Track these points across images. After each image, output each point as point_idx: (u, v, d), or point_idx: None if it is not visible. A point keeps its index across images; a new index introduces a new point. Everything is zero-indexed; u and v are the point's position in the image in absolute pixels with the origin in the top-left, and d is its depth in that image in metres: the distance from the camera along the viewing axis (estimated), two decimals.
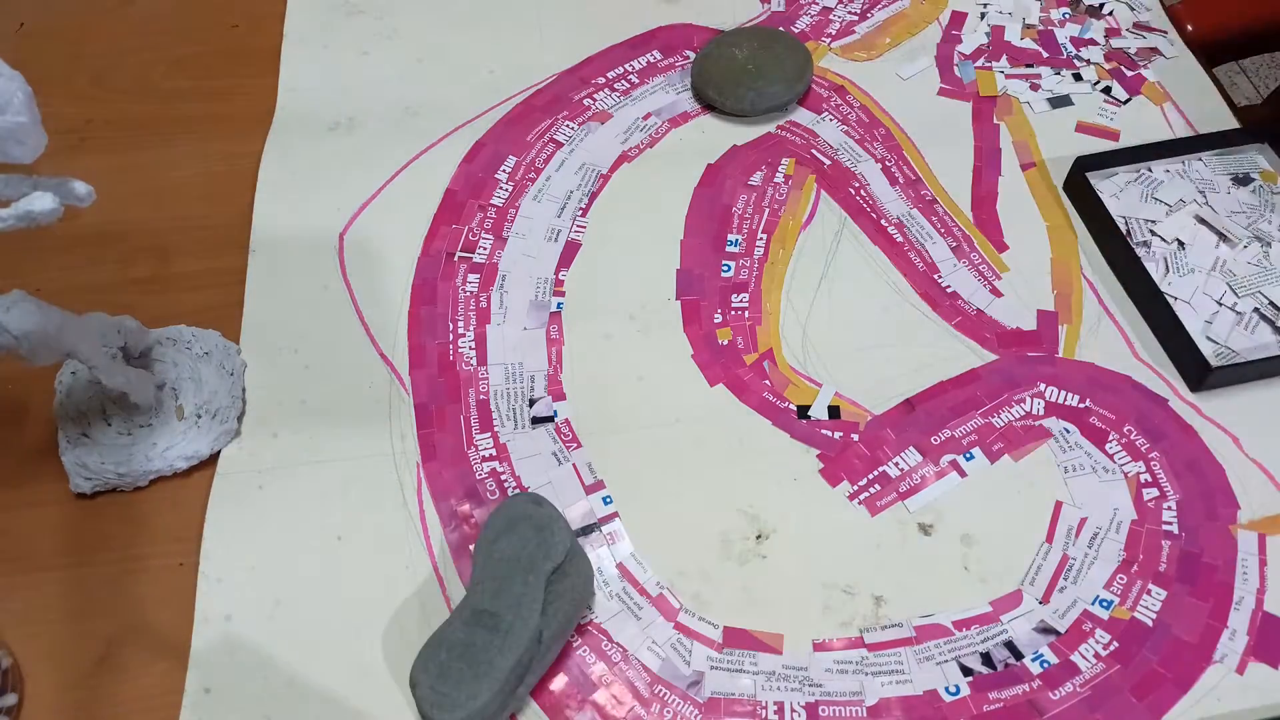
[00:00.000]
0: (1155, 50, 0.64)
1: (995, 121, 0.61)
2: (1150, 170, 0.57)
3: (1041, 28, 0.65)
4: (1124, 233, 0.53)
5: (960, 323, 0.52)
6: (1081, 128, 0.60)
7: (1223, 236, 0.54)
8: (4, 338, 0.39)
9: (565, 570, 0.41)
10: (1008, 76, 0.63)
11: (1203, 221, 0.54)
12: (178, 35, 0.66)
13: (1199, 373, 0.49)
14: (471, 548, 0.43)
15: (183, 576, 0.45)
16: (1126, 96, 0.62)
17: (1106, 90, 0.62)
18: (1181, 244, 0.53)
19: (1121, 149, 0.57)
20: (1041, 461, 0.48)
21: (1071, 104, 0.61)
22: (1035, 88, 0.62)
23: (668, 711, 0.41)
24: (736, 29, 0.63)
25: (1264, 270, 0.53)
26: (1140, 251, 0.53)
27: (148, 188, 0.58)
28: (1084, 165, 0.56)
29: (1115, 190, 0.56)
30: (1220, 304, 0.51)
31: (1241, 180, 0.56)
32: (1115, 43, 0.65)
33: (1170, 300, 0.51)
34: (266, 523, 0.46)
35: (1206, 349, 0.49)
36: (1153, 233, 0.53)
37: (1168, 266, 0.52)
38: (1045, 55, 0.64)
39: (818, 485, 0.47)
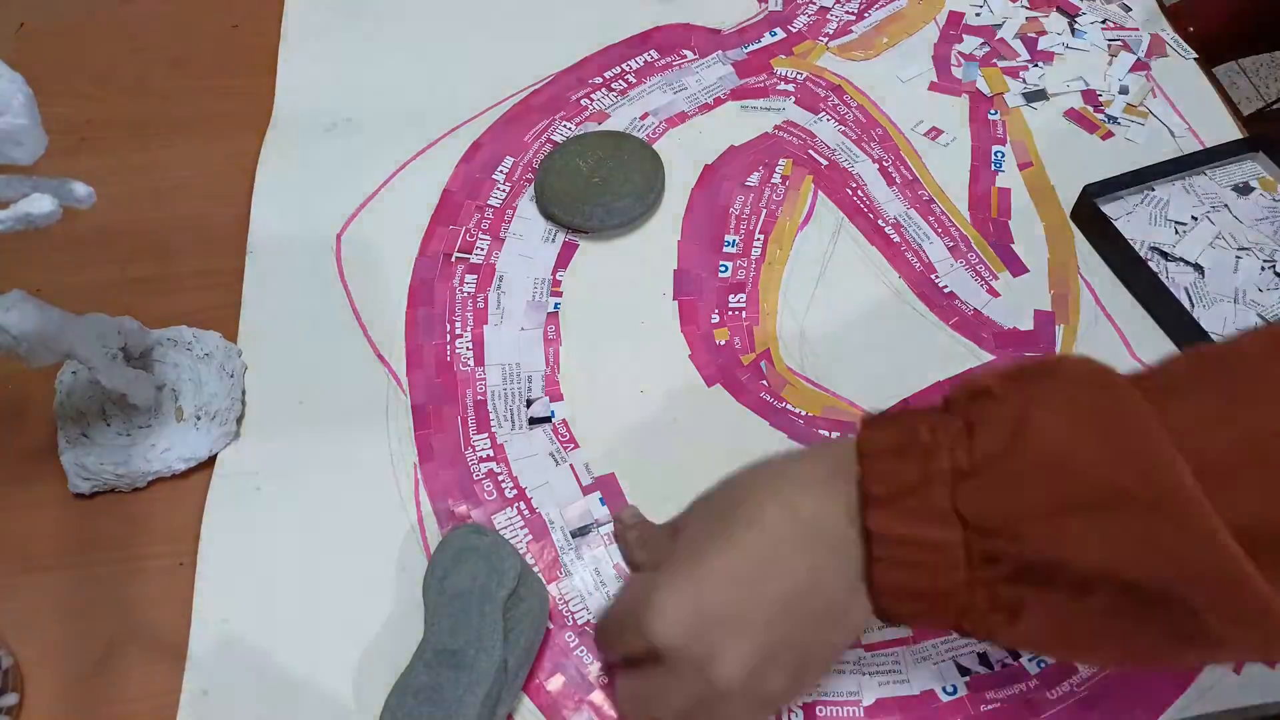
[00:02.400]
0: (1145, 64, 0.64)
1: (992, 120, 0.61)
2: (1153, 189, 0.56)
3: (1033, 34, 0.66)
4: (1145, 261, 0.53)
5: (958, 323, 0.52)
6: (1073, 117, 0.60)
7: (1243, 250, 0.53)
8: (4, 338, 0.40)
9: (520, 594, 0.41)
10: (1004, 73, 0.63)
11: (1222, 239, 0.54)
12: (178, 35, 0.66)
13: None
14: (419, 586, 0.42)
15: (182, 577, 0.45)
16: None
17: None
18: (1201, 270, 0.53)
19: (1125, 173, 0.56)
20: None
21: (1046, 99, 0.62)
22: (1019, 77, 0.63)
23: None
24: (580, 135, 0.59)
25: None
26: (1165, 280, 0.52)
27: (148, 188, 0.59)
28: (1091, 194, 0.55)
29: (1124, 213, 0.55)
30: None
31: (1241, 190, 0.56)
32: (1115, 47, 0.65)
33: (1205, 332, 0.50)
34: (264, 524, 0.46)
35: None
36: (1165, 255, 0.53)
37: (1190, 298, 0.51)
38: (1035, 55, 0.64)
39: None
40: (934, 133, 0.60)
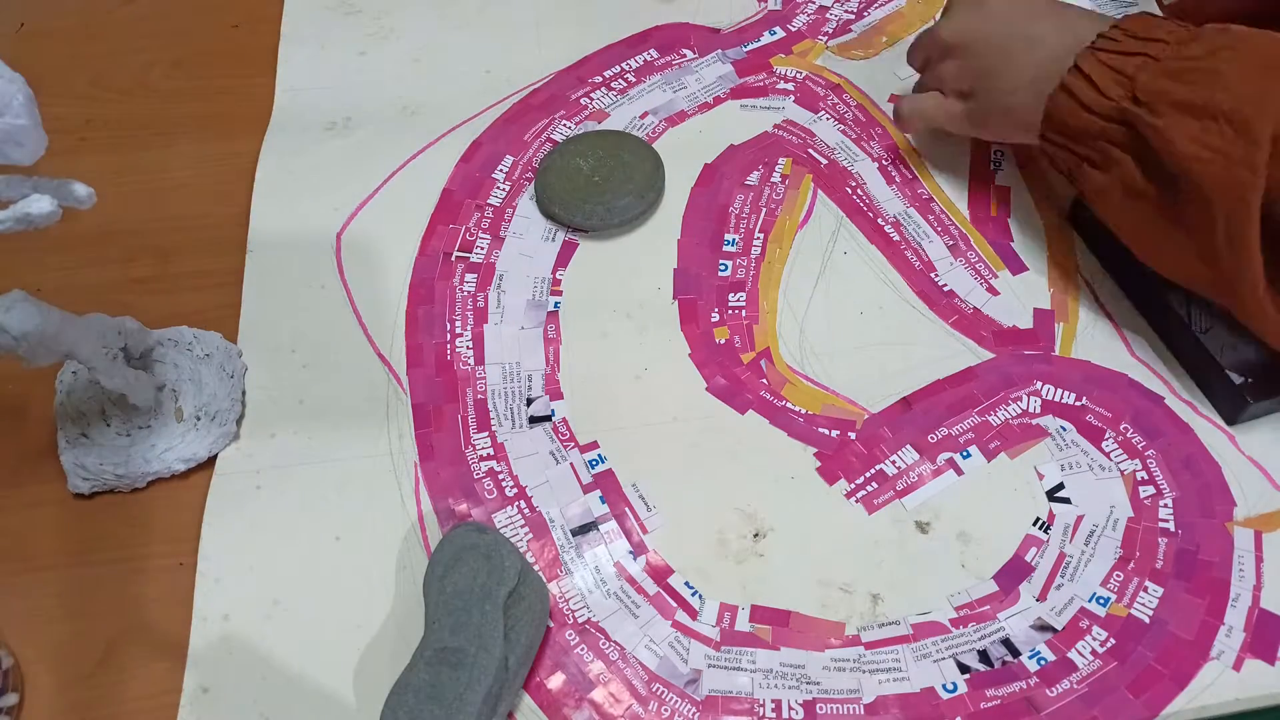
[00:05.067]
0: None
1: None
2: None
3: None
4: (1142, 267, 0.51)
5: (957, 321, 0.52)
6: None
7: None
8: (4, 338, 0.40)
9: (520, 593, 0.41)
10: None
11: None
12: (178, 35, 0.66)
13: (1235, 406, 0.48)
14: (420, 585, 0.42)
15: (182, 576, 0.45)
16: None
17: None
18: None
19: None
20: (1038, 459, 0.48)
21: None
22: None
23: (665, 709, 0.41)
24: (579, 134, 0.59)
25: None
26: (1160, 285, 0.51)
27: (148, 188, 0.59)
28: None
29: None
30: (1257, 357, 0.49)
31: None
32: None
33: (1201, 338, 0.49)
34: (264, 523, 0.46)
35: (1238, 381, 0.48)
36: None
37: (1189, 312, 0.50)
38: None
39: (815, 483, 0.47)
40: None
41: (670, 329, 0.52)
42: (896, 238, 0.56)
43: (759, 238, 0.56)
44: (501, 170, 0.58)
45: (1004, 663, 0.42)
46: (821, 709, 0.41)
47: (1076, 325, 0.52)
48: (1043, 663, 0.42)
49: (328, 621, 0.44)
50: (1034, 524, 0.46)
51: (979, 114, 0.53)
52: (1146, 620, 0.43)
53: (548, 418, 0.49)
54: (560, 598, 0.44)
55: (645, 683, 0.42)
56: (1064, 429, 0.49)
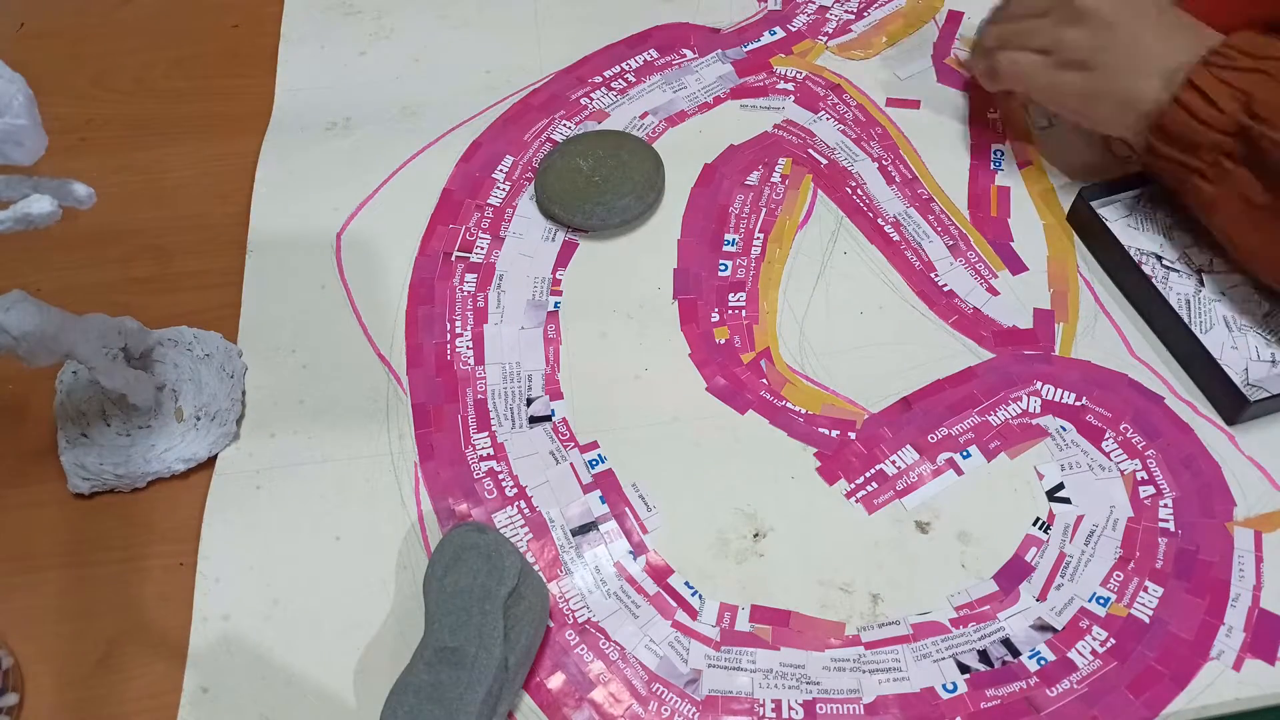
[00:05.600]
0: None
1: (991, 119, 0.61)
2: (1151, 192, 0.55)
3: None
4: (1141, 267, 0.52)
5: (957, 321, 0.52)
6: None
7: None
8: (3, 338, 0.40)
9: (520, 593, 0.41)
10: None
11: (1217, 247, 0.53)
12: (178, 35, 0.66)
13: (1235, 406, 0.48)
14: (420, 585, 0.42)
15: (182, 576, 0.45)
16: None
17: None
18: (1201, 280, 0.52)
19: (1122, 176, 0.55)
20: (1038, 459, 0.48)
21: None
22: None
23: (665, 709, 0.41)
24: (579, 134, 0.59)
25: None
26: (1160, 286, 0.51)
27: (148, 188, 0.59)
28: (1087, 196, 0.54)
29: (1120, 216, 0.54)
30: (1257, 357, 0.50)
31: None
32: None
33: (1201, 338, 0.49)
34: (264, 523, 0.46)
35: (1238, 381, 0.48)
36: (1159, 258, 0.53)
37: (1190, 311, 0.50)
38: None
39: (815, 483, 0.47)
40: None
41: (670, 329, 0.52)
42: (896, 238, 0.56)
43: (759, 238, 0.56)
44: (501, 170, 0.58)
45: (1004, 663, 0.42)
46: (821, 709, 0.41)
47: (1076, 325, 0.52)
48: (1043, 663, 0.42)
49: (328, 621, 0.44)
50: (1034, 524, 0.46)
51: (1092, 91, 0.51)
52: (1146, 620, 0.43)
53: (548, 418, 0.49)
54: (560, 598, 0.44)
55: (645, 683, 0.42)
56: (1064, 429, 0.49)
